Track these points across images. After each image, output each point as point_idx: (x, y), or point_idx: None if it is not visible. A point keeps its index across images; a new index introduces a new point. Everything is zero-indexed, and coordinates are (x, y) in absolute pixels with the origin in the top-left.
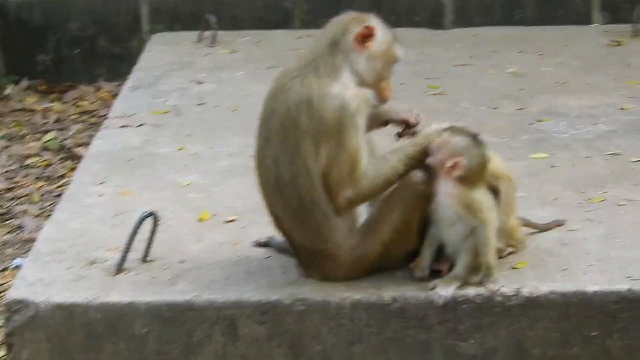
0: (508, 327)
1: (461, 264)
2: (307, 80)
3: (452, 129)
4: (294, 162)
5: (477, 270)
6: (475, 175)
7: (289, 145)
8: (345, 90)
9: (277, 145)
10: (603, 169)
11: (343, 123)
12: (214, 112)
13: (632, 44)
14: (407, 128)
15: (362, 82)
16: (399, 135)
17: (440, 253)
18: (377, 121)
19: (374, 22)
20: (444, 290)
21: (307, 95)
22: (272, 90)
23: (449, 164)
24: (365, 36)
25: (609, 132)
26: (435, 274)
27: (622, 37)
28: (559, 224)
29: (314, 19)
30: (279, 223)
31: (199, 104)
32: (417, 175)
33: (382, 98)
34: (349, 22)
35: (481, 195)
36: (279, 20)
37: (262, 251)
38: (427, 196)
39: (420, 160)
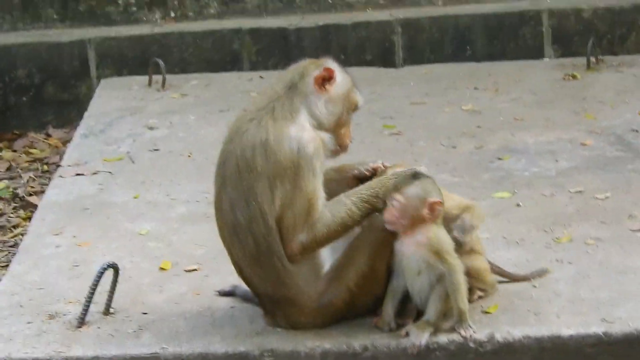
0: None
1: (432, 310)
2: (263, 122)
3: (396, 182)
4: (249, 206)
5: (449, 315)
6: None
7: (243, 188)
8: (303, 133)
9: (232, 189)
10: (568, 206)
11: (300, 165)
12: (167, 158)
13: (587, 77)
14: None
15: (320, 126)
16: None
17: (403, 305)
18: (345, 177)
19: (333, 65)
20: (418, 338)
21: (263, 137)
22: (228, 134)
23: (425, 211)
24: (325, 79)
25: (571, 169)
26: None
27: (576, 70)
28: (541, 274)
29: (264, 60)
30: (239, 269)
31: (153, 150)
32: (382, 220)
33: (341, 145)
34: (307, 65)
35: (447, 238)
36: (228, 62)
37: (226, 300)
38: (391, 241)
39: (376, 204)
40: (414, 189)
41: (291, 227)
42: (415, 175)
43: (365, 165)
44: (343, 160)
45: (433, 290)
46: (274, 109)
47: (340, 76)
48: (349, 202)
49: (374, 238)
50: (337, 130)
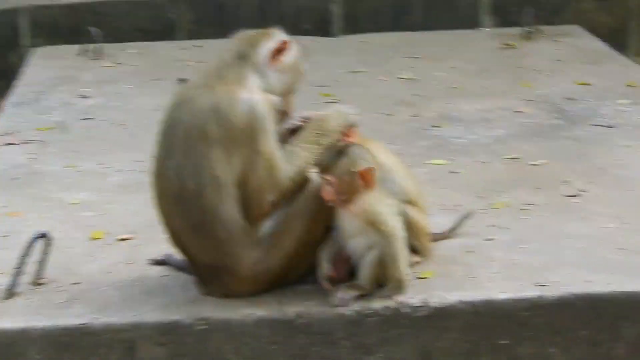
0: (416, 338)
1: (362, 274)
2: (212, 88)
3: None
4: (201, 173)
5: (386, 284)
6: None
7: (195, 155)
8: (253, 94)
9: (181, 156)
10: (503, 173)
11: (254, 128)
12: (101, 128)
13: (524, 47)
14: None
15: (270, 92)
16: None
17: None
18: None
19: (285, 36)
20: (342, 295)
21: (214, 103)
22: (174, 101)
23: (359, 182)
24: (279, 50)
25: (507, 136)
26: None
27: (512, 40)
28: (467, 216)
29: (199, 29)
30: (177, 239)
31: (86, 119)
32: (318, 185)
33: (287, 111)
34: (257, 36)
35: (385, 207)
36: (163, 31)
37: (159, 270)
38: (328, 205)
39: (324, 144)
40: (343, 165)
41: (259, 190)
42: (342, 150)
43: (296, 118)
44: None
45: (367, 254)
46: (223, 76)
47: (292, 47)
48: (300, 149)
49: (311, 203)
50: (284, 98)
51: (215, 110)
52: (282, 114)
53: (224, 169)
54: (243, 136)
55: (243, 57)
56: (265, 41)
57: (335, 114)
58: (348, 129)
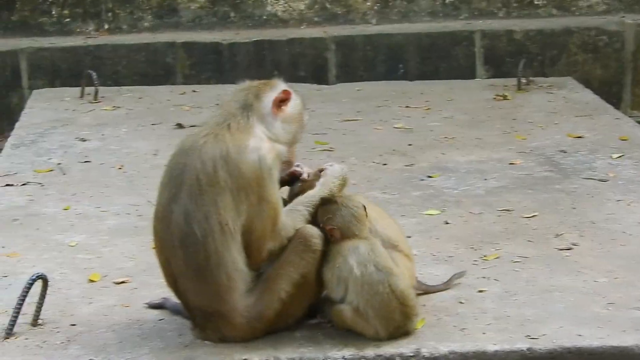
0: None
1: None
2: (220, 136)
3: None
4: (209, 219)
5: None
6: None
7: (204, 201)
8: (262, 144)
9: (188, 200)
10: (496, 225)
11: (262, 177)
12: (99, 170)
13: (517, 98)
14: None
15: (275, 142)
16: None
17: None
18: None
19: (287, 87)
20: None
21: (223, 151)
22: (181, 147)
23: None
24: (282, 100)
25: (500, 188)
26: None
27: (507, 91)
28: (460, 276)
29: (197, 74)
30: (174, 282)
31: (84, 162)
32: (311, 229)
33: (290, 161)
34: (260, 86)
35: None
36: (161, 76)
37: (155, 313)
38: (321, 250)
39: (319, 203)
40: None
41: (261, 238)
42: (325, 201)
43: (284, 172)
44: None
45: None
46: (230, 125)
47: (295, 98)
48: (301, 208)
49: (305, 248)
50: (288, 148)
51: (225, 158)
52: (286, 163)
53: (232, 215)
54: (251, 184)
55: (248, 108)
56: (269, 91)
57: (332, 177)
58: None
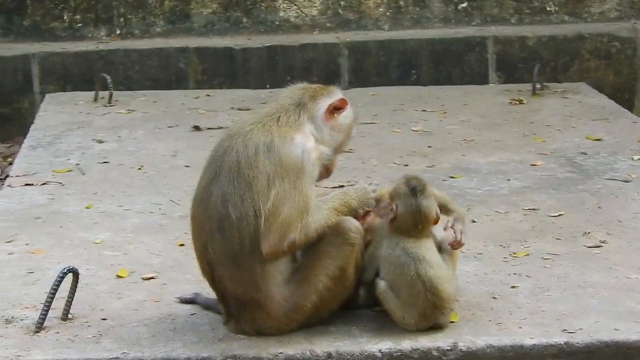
0: None
1: None
2: (268, 126)
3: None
4: (244, 202)
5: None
6: (405, 224)
7: (241, 183)
8: (307, 140)
9: (227, 182)
10: (523, 223)
11: (302, 169)
12: (118, 171)
13: (533, 102)
14: None
15: (321, 144)
16: None
17: None
18: None
19: (344, 96)
20: None
21: (268, 139)
22: (227, 133)
23: (382, 205)
24: (337, 108)
25: (523, 188)
26: None
27: (520, 95)
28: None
29: (209, 79)
30: (210, 270)
31: (102, 163)
32: (350, 222)
33: (329, 170)
34: (317, 89)
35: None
36: (173, 80)
37: (186, 308)
38: (359, 243)
39: (344, 214)
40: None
41: (284, 225)
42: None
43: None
44: None
45: None
46: (280, 118)
47: (349, 109)
48: (330, 207)
49: (343, 241)
50: (331, 155)
51: (269, 145)
52: (325, 168)
53: (264, 200)
54: (289, 173)
55: (301, 106)
56: (326, 96)
57: (359, 191)
58: (365, 207)
